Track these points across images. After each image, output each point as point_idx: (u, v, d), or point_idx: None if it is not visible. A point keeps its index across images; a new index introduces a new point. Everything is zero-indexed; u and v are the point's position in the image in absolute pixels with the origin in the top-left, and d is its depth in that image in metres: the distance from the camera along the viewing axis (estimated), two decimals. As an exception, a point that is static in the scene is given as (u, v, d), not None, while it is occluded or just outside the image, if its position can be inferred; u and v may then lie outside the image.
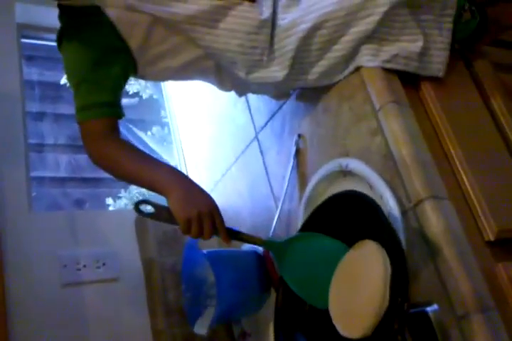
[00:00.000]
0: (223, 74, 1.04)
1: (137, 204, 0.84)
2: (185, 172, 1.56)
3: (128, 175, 0.92)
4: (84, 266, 1.33)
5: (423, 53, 0.93)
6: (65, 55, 0.96)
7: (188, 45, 0.96)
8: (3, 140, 1.39)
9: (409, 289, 0.72)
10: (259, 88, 1.05)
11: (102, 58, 0.93)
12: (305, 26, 0.93)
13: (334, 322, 0.80)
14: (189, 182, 0.91)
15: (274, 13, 0.96)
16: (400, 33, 0.93)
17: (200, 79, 1.11)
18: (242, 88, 1.08)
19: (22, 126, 1.53)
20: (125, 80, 0.98)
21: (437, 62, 0.96)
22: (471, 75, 1.04)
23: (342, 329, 0.78)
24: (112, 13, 0.92)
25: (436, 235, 0.79)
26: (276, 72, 0.98)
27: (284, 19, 0.96)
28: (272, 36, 0.96)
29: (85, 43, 0.93)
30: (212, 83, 1.10)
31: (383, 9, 0.89)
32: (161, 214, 0.85)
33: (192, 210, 0.83)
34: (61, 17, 0.97)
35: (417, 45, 0.93)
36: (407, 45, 0.93)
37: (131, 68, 0.98)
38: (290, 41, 0.95)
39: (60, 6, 0.97)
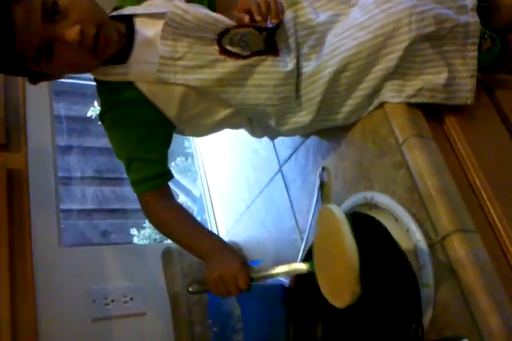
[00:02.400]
0: (254, 124, 1.07)
1: (189, 285, 0.98)
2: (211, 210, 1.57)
3: (177, 239, 1.02)
4: (113, 300, 1.34)
5: (449, 84, 0.94)
6: (110, 132, 0.99)
7: (219, 104, 0.99)
8: (34, 174, 1.42)
9: (422, 314, 0.72)
10: (291, 133, 1.07)
11: (145, 133, 0.97)
12: (330, 70, 0.94)
13: (325, 295, 0.81)
14: (222, 249, 0.97)
15: (298, 61, 0.98)
16: (424, 67, 0.94)
17: (233, 129, 1.13)
18: (273, 134, 1.10)
19: (52, 159, 1.57)
20: (169, 144, 1.03)
21: (465, 91, 0.95)
22: (494, 105, 1.04)
23: (332, 301, 0.79)
24: (145, 88, 0.94)
25: (465, 268, 0.78)
26: (303, 117, 1.00)
27: (307, 66, 0.98)
28: (297, 84, 0.98)
29: (127, 121, 0.97)
30: (245, 130, 1.13)
31: (404, 45, 0.90)
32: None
33: (216, 275, 0.92)
34: (99, 91, 1.00)
35: (441, 77, 0.93)
36: (431, 78, 0.94)
37: (171, 130, 1.02)
38: (317, 86, 0.97)
39: (96, 80, 1.00)
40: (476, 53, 0.96)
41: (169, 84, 0.94)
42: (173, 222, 1.00)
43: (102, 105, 1.01)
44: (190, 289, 0.97)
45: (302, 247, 1.16)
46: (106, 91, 0.99)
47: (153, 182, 0.98)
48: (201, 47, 0.94)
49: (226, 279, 0.91)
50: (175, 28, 0.92)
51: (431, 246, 0.83)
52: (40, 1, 0.82)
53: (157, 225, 1.02)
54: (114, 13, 0.96)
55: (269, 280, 1.26)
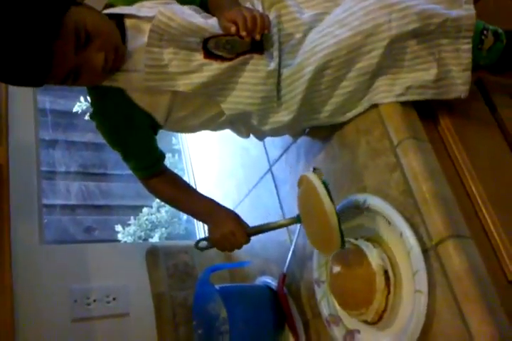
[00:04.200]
0: (238, 124, 1.08)
1: (197, 242, 1.11)
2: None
3: (179, 210, 1.21)
4: (95, 300, 1.31)
5: (439, 79, 0.92)
6: (101, 131, 1.05)
7: (206, 106, 1.01)
8: (16, 168, 1.38)
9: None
10: (274, 132, 1.07)
11: (134, 132, 1.04)
12: (310, 68, 0.94)
13: (313, 246, 0.97)
14: (217, 212, 1.11)
15: (280, 60, 0.98)
16: (412, 64, 0.92)
17: (218, 130, 1.15)
18: (258, 134, 1.10)
19: (35, 154, 1.53)
20: (156, 134, 1.09)
21: (457, 84, 0.93)
22: (489, 109, 1.02)
23: (320, 251, 0.98)
24: (133, 94, 0.98)
25: (459, 275, 0.77)
26: (284, 116, 0.99)
27: (289, 65, 0.98)
28: (278, 83, 0.98)
29: (116, 123, 1.03)
30: (231, 130, 1.13)
31: (384, 43, 0.89)
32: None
33: (217, 235, 1.07)
34: (90, 94, 1.04)
35: (431, 73, 0.91)
36: (420, 75, 0.92)
37: (158, 128, 1.08)
38: (298, 85, 0.96)
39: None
40: (469, 46, 0.93)
41: (157, 91, 0.96)
42: (173, 198, 1.14)
43: (92, 106, 1.05)
44: (199, 245, 1.10)
45: (292, 248, 1.14)
46: (96, 95, 1.02)
47: (149, 170, 1.09)
48: (186, 53, 0.95)
49: (227, 237, 1.06)
50: (160, 35, 0.93)
51: (425, 251, 0.81)
52: (74, 32, 0.85)
53: (161, 200, 1.22)
54: (107, 11, 0.96)
55: (257, 282, 1.24)
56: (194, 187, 1.76)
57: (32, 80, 0.87)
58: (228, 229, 1.05)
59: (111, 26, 0.93)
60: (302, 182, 0.93)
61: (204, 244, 1.10)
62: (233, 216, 1.10)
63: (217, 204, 1.14)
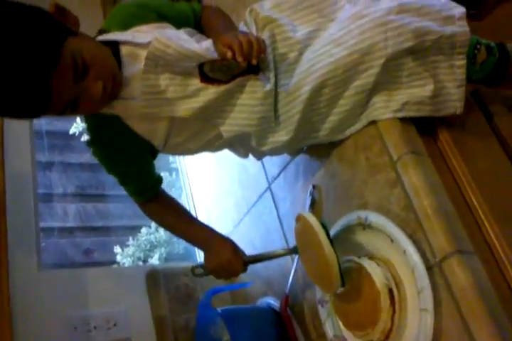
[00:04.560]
0: (236, 145, 1.08)
1: (193, 269, 1.11)
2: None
3: (175, 235, 1.20)
4: (95, 327, 1.29)
5: (435, 95, 0.92)
6: (98, 158, 1.05)
7: (204, 129, 1.00)
8: (13, 192, 1.37)
9: None
10: (273, 152, 1.06)
11: (132, 158, 1.05)
12: (307, 88, 0.93)
13: (311, 279, 0.96)
14: (214, 240, 1.10)
15: (276, 80, 0.97)
16: (408, 80, 0.92)
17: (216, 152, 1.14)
18: (257, 154, 1.09)
19: (32, 177, 1.53)
20: (154, 158, 1.10)
21: (452, 101, 0.93)
22: (487, 121, 1.02)
23: (319, 287, 0.96)
24: (130, 122, 0.98)
25: (465, 291, 0.75)
26: (282, 136, 0.99)
27: (286, 85, 0.97)
28: (275, 103, 0.97)
29: (114, 151, 1.03)
30: (229, 151, 1.13)
31: (380, 61, 0.89)
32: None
33: (214, 264, 1.07)
34: (86, 121, 1.04)
35: (427, 89, 0.91)
36: (417, 91, 0.92)
37: (156, 153, 1.08)
38: (295, 104, 0.95)
39: None
40: (463, 62, 0.93)
41: (155, 118, 0.96)
42: (169, 223, 1.15)
43: (89, 134, 1.04)
44: (195, 272, 1.10)
45: (293, 268, 1.13)
46: (93, 122, 1.02)
47: (146, 195, 1.09)
48: (183, 78, 0.94)
49: (223, 266, 1.06)
50: (156, 61, 0.92)
51: (429, 268, 0.79)
52: (71, 63, 0.83)
53: (158, 225, 1.24)
54: (101, 38, 0.95)
55: (259, 303, 1.22)
56: (192, 208, 1.76)
57: (31, 113, 0.85)
58: (225, 257, 1.05)
59: (107, 54, 0.92)
60: (300, 221, 0.93)
61: (200, 270, 1.09)
62: (229, 244, 1.09)
63: (213, 231, 1.13)
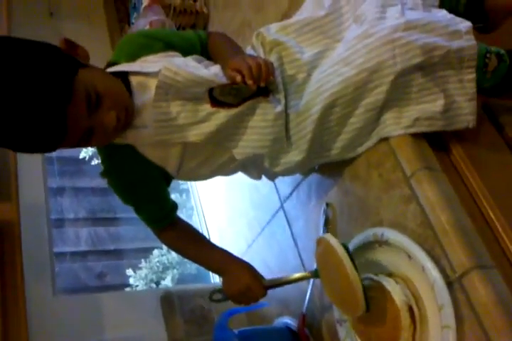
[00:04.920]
0: (249, 167, 1.08)
1: (211, 295, 1.09)
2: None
3: (192, 261, 1.18)
4: (111, 354, 1.28)
5: (446, 110, 0.92)
6: (113, 188, 1.05)
7: (216, 153, 1.00)
8: (26, 219, 1.38)
9: None
10: (286, 172, 1.06)
11: (147, 187, 1.05)
12: (317, 108, 0.94)
13: (333, 303, 0.95)
14: (232, 265, 1.08)
15: (286, 101, 0.98)
16: (419, 96, 0.92)
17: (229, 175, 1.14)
18: (270, 175, 1.09)
19: (45, 203, 1.54)
20: (169, 185, 1.10)
21: (464, 114, 0.93)
22: (499, 133, 1.01)
23: (342, 311, 0.95)
24: (143, 150, 0.98)
25: (487, 306, 0.74)
26: (295, 156, 0.99)
27: (295, 106, 0.98)
28: (286, 124, 0.98)
29: (129, 180, 1.03)
30: (242, 173, 1.13)
31: (390, 79, 0.89)
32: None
33: (233, 291, 1.04)
34: (99, 151, 1.03)
35: (437, 104, 0.91)
36: (428, 106, 0.92)
37: (170, 179, 1.08)
38: (306, 124, 0.96)
39: None
40: (472, 76, 0.93)
41: (167, 144, 0.96)
42: (187, 250, 1.13)
43: (103, 164, 1.04)
44: (214, 298, 1.08)
45: (310, 287, 1.12)
46: (106, 152, 1.02)
47: (162, 223, 1.08)
48: (193, 104, 0.95)
49: (243, 292, 1.03)
50: (167, 89, 0.92)
51: (449, 284, 0.78)
52: (85, 95, 0.83)
53: (175, 252, 1.22)
54: (111, 70, 0.95)
55: (275, 324, 1.21)
56: (204, 229, 1.76)
57: (47, 146, 0.84)
58: (244, 283, 1.03)
59: (119, 85, 0.92)
60: (321, 244, 0.92)
61: (218, 296, 1.08)
62: (248, 268, 1.07)
63: (231, 255, 1.11)
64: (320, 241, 0.92)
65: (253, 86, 0.89)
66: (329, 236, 0.89)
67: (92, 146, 0.99)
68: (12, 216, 1.15)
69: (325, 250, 0.90)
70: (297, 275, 1.04)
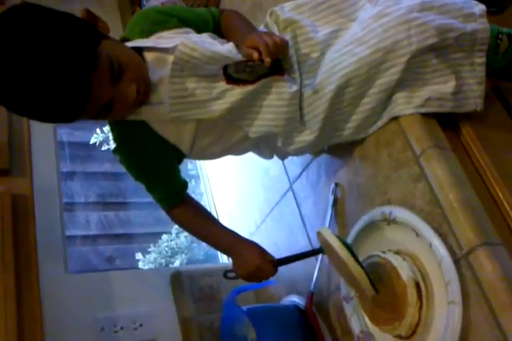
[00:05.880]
0: (261, 146, 1.08)
1: (225, 273, 1.10)
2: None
3: (202, 240, 1.18)
4: (122, 328, 1.31)
5: (457, 92, 0.92)
6: (125, 165, 1.06)
7: (228, 131, 1.01)
8: (39, 200, 1.39)
9: None
10: (298, 152, 1.07)
11: (159, 164, 1.05)
12: (331, 87, 0.94)
13: (347, 284, 0.98)
14: (240, 245, 1.09)
15: (301, 81, 0.98)
16: (431, 77, 0.93)
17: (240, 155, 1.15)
18: (282, 154, 1.10)
19: (57, 186, 1.55)
20: (180, 163, 1.10)
21: (474, 97, 0.94)
22: (509, 114, 1.02)
23: (356, 291, 0.95)
24: (157, 126, 0.98)
25: (493, 284, 0.75)
26: (308, 135, 1.00)
27: (309, 85, 0.98)
28: (300, 102, 0.98)
29: (141, 157, 1.04)
30: (253, 152, 1.14)
31: (404, 59, 0.90)
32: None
33: (244, 271, 1.05)
34: (112, 128, 1.04)
35: (449, 85, 0.92)
36: (439, 87, 0.92)
37: (182, 157, 1.08)
38: (319, 104, 0.96)
39: None
40: (483, 60, 0.94)
41: (182, 121, 0.96)
42: (196, 229, 1.14)
43: (115, 141, 1.05)
44: (228, 276, 1.09)
45: (317, 265, 1.13)
46: (119, 128, 1.02)
47: (172, 200, 1.09)
48: (208, 81, 0.95)
49: (254, 272, 1.04)
50: (183, 65, 0.92)
51: (456, 261, 0.79)
52: (108, 65, 0.84)
53: (185, 230, 1.21)
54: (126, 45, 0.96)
55: (283, 302, 1.22)
56: (213, 212, 1.77)
57: (69, 115, 0.84)
58: (254, 263, 1.04)
59: (139, 59, 0.93)
60: (320, 237, 0.94)
61: (232, 274, 1.09)
62: (257, 249, 1.07)
63: (239, 236, 1.12)
64: (319, 234, 0.93)
65: (268, 63, 0.89)
66: (325, 231, 0.91)
67: (110, 119, 0.98)
68: (26, 191, 1.16)
69: (325, 242, 0.91)
70: (305, 252, 1.06)
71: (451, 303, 0.78)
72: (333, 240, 0.88)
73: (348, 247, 0.88)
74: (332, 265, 0.97)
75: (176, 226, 1.80)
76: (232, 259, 1.09)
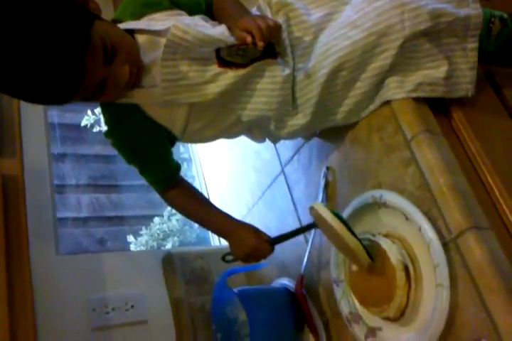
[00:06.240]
0: (254, 130, 1.08)
1: (223, 256, 1.11)
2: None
3: (196, 222, 1.23)
4: (113, 308, 1.31)
5: (448, 77, 0.93)
6: (117, 148, 1.05)
7: (221, 115, 1.00)
8: (30, 182, 1.39)
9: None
10: (290, 136, 1.06)
11: (151, 147, 1.05)
12: (324, 71, 0.94)
13: (344, 256, 0.98)
14: (235, 227, 1.11)
15: (294, 64, 0.97)
16: (423, 61, 0.93)
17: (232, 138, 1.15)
18: (274, 137, 1.10)
19: (48, 168, 1.54)
20: (173, 146, 1.10)
21: (465, 83, 0.94)
22: (500, 99, 1.02)
23: (353, 262, 0.94)
24: (150, 110, 0.98)
25: (481, 267, 0.76)
26: (300, 119, 0.99)
27: (302, 69, 0.98)
28: (293, 86, 0.98)
29: (133, 140, 1.03)
30: (245, 136, 1.13)
31: (398, 43, 0.90)
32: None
33: (241, 253, 1.08)
34: (104, 111, 1.03)
35: (441, 70, 0.92)
36: (431, 72, 0.93)
37: (174, 140, 1.08)
38: (312, 88, 0.96)
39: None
40: (475, 45, 0.94)
41: (174, 104, 0.96)
42: (190, 210, 1.14)
43: (107, 124, 1.04)
44: (226, 259, 1.11)
45: (308, 248, 1.14)
46: (110, 111, 1.02)
47: (166, 183, 1.09)
48: (201, 65, 0.94)
49: (251, 252, 1.07)
50: (175, 48, 0.92)
51: (444, 244, 0.80)
52: (102, 46, 0.83)
53: (179, 212, 1.21)
54: None
55: (274, 284, 1.24)
56: (207, 195, 1.78)
57: (61, 96, 0.84)
58: (250, 245, 1.06)
59: (132, 40, 0.92)
60: (313, 212, 0.94)
61: (230, 257, 1.10)
62: (252, 230, 1.09)
63: (234, 219, 1.13)
64: (311, 209, 0.94)
65: (261, 47, 0.88)
66: (317, 205, 0.91)
67: (102, 100, 0.97)
68: (17, 172, 1.16)
69: (318, 216, 0.92)
70: (299, 227, 1.09)
71: (440, 286, 0.79)
72: (325, 213, 0.88)
73: (341, 218, 0.88)
74: (327, 239, 0.98)
75: (168, 209, 1.81)
76: (229, 242, 1.10)
